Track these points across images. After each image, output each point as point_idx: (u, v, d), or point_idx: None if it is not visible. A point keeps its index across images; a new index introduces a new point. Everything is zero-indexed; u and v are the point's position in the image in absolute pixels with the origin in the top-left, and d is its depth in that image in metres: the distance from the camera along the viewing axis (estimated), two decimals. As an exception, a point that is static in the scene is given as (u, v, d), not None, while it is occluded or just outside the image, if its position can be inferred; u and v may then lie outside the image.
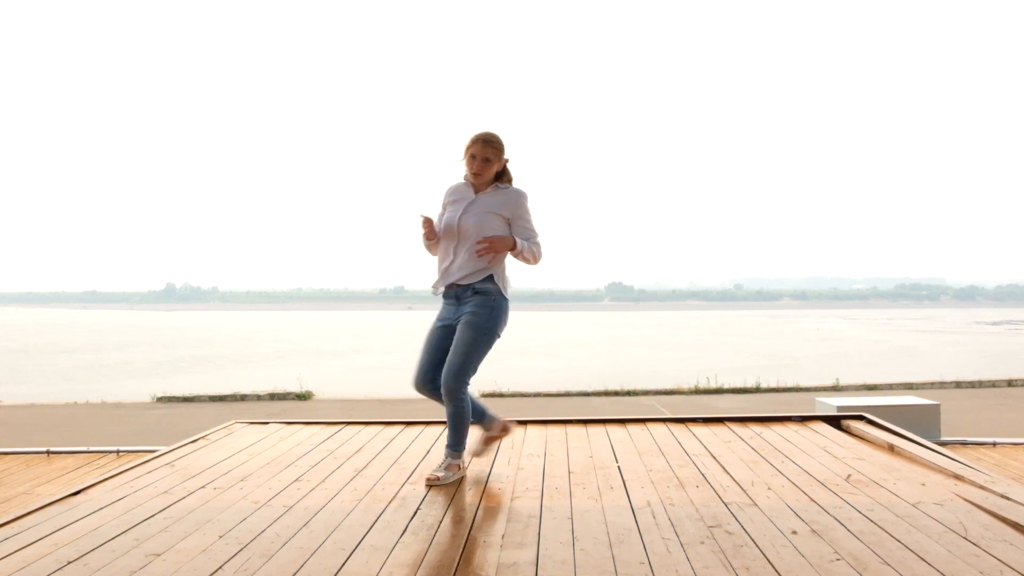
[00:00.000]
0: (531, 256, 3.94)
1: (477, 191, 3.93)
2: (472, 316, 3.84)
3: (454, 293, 3.93)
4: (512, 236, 3.88)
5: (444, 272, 3.95)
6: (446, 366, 3.83)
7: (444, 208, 4.01)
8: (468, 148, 3.88)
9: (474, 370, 3.86)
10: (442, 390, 3.85)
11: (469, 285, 3.87)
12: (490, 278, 3.88)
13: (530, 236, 3.93)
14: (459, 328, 3.85)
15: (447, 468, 3.93)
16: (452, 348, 3.84)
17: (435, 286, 4.02)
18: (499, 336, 3.93)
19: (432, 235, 3.95)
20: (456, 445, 3.96)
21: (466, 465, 4.12)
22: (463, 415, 3.92)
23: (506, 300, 3.93)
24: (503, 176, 3.96)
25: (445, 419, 3.99)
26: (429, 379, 3.95)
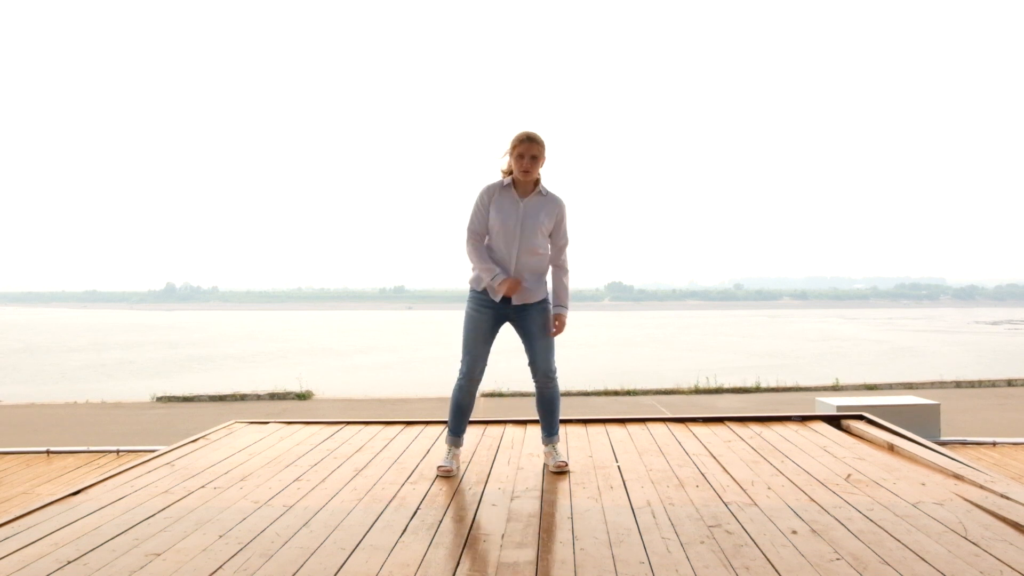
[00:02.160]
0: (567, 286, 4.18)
1: (521, 195, 4.02)
2: (544, 315, 4.09)
3: (510, 298, 4.08)
4: (563, 309, 4.09)
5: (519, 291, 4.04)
6: (543, 360, 4.07)
7: (485, 207, 4.04)
8: (515, 147, 3.96)
9: None
10: (543, 380, 4.11)
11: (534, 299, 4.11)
12: (544, 286, 4.15)
13: (565, 243, 4.14)
14: (537, 326, 4.06)
15: (558, 458, 4.16)
16: (542, 344, 4.06)
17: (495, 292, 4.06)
18: None
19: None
20: (557, 430, 4.23)
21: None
22: (559, 396, 4.22)
23: None
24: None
25: (539, 411, 4.21)
26: (483, 370, 4.12)
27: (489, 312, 4.07)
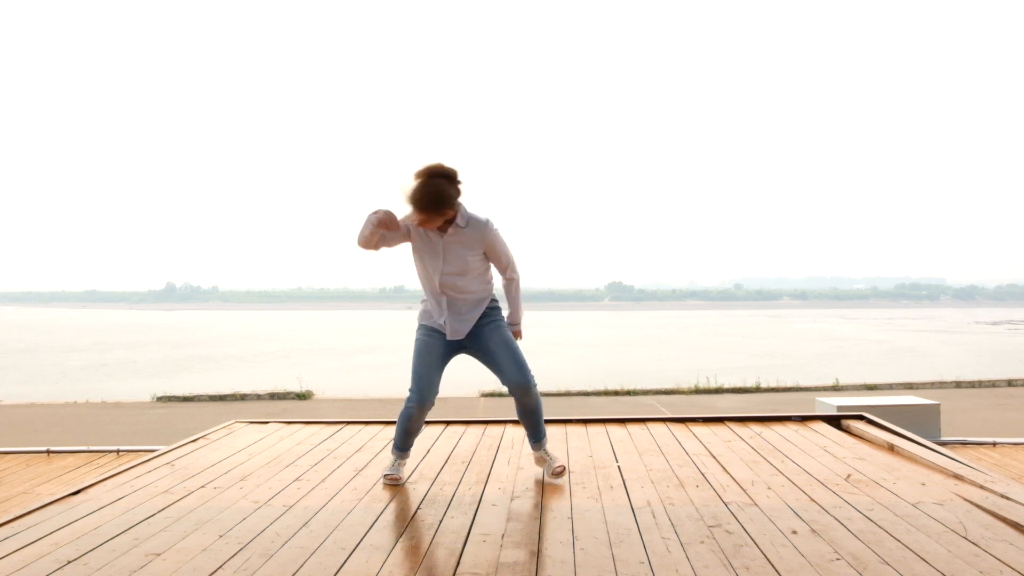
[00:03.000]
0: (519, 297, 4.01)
1: (440, 229, 3.72)
2: (497, 321, 3.89)
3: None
4: (517, 318, 3.99)
5: (456, 324, 3.82)
6: (514, 371, 3.80)
7: (407, 229, 3.75)
8: (416, 217, 3.63)
9: None
10: (520, 393, 3.83)
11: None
12: (493, 298, 3.95)
13: (508, 263, 3.89)
14: (495, 335, 3.84)
15: (554, 463, 3.94)
16: (507, 355, 3.81)
17: (444, 328, 3.85)
18: None
19: (395, 225, 3.68)
20: (543, 435, 3.98)
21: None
22: (541, 403, 3.92)
23: None
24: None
25: (521, 420, 3.96)
26: (433, 399, 3.86)
27: (440, 338, 3.85)
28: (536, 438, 3.97)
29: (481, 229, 3.74)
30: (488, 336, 3.85)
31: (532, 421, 3.92)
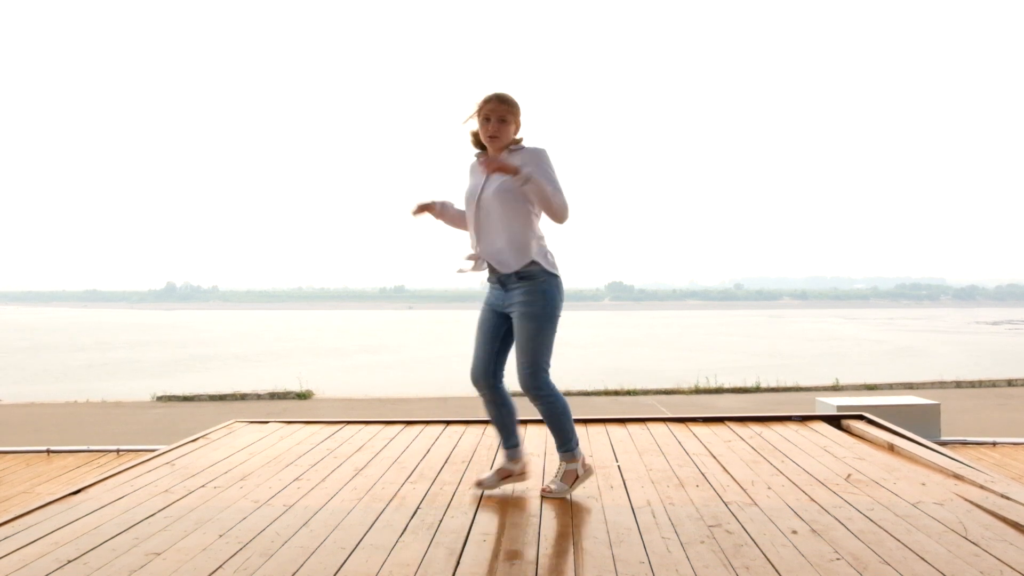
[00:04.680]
0: (548, 196, 3.42)
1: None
2: (525, 306, 3.49)
3: (497, 278, 3.57)
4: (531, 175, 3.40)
5: (485, 257, 3.57)
6: (518, 368, 3.52)
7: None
8: (481, 109, 3.49)
9: (547, 361, 3.53)
10: (524, 393, 3.55)
11: (513, 272, 3.51)
12: (534, 261, 3.51)
13: (551, 189, 3.47)
14: (516, 321, 3.52)
15: (562, 478, 3.60)
16: (516, 347, 3.52)
17: (475, 266, 3.59)
18: (559, 316, 3.57)
19: (442, 214, 3.69)
20: (565, 445, 3.61)
21: (587, 466, 3.68)
22: (557, 411, 3.56)
23: (555, 276, 3.54)
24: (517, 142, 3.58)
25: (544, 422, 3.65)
26: (490, 372, 3.64)
27: (487, 308, 3.64)
28: (556, 445, 3.66)
29: (532, 153, 3.53)
30: (515, 309, 3.54)
31: (548, 427, 3.63)
